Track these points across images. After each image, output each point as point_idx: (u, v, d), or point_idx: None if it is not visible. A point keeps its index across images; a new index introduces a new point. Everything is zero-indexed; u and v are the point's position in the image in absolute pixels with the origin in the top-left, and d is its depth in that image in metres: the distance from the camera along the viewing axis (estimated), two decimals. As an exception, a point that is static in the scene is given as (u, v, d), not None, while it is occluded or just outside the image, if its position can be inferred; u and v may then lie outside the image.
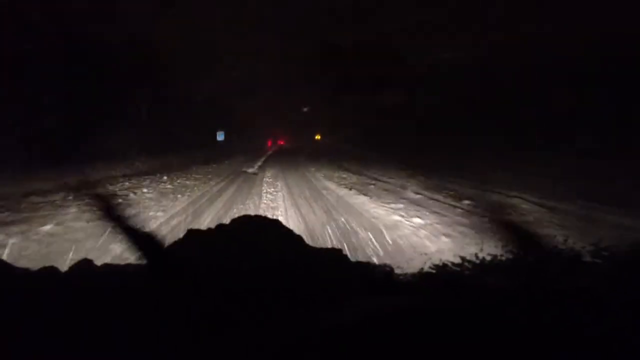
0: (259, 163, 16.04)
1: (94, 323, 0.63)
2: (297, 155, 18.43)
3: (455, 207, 4.96)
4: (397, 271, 1.03)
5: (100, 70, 15.30)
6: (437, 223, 4.25)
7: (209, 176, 10.68)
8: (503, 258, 1.00)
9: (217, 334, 0.59)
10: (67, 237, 3.92)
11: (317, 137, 54.03)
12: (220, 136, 33.69)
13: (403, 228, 4.15)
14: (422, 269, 1.03)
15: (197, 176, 10.73)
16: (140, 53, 18.05)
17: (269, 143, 53.66)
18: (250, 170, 12.50)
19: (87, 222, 4.37)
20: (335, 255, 1.19)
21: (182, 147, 21.22)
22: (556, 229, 3.87)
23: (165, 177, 10.22)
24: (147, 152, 17.53)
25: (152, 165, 15.20)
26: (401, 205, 5.22)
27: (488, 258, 1.02)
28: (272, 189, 7.59)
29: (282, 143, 55.28)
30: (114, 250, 3.29)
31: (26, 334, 0.60)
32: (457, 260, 1.05)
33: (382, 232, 3.98)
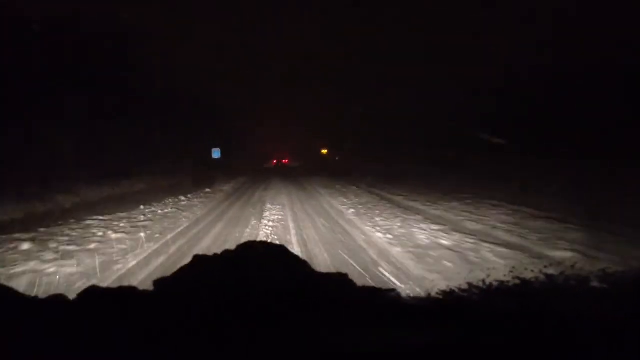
0: (267, 195, 11.73)
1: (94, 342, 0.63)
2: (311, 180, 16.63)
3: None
4: (404, 296, 1.03)
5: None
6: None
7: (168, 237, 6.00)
8: (510, 283, 0.99)
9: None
10: None
11: (324, 151, 53.73)
12: (215, 154, 28.93)
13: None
14: (429, 294, 1.03)
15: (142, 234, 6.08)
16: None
17: (274, 162, 53.91)
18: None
19: None
20: (340, 279, 1.19)
21: (160, 168, 18.44)
22: None
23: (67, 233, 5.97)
24: (96, 175, 13.01)
25: (86, 198, 11.00)
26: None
27: (495, 284, 1.02)
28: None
29: (286, 162, 55.51)
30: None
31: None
32: (464, 286, 1.05)
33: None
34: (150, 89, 20.46)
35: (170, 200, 10.91)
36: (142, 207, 9.24)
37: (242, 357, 0.58)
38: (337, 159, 44.75)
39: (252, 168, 27.95)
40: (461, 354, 0.57)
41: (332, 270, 1.96)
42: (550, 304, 0.82)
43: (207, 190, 13.61)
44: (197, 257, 1.44)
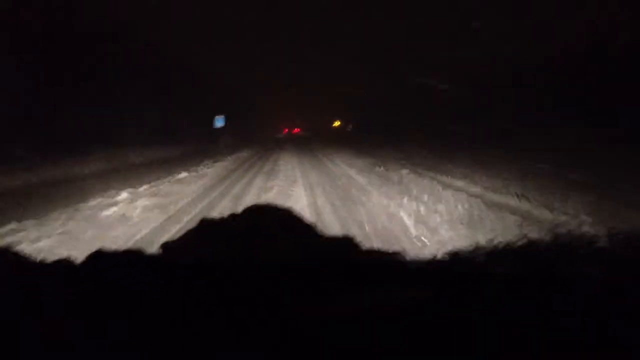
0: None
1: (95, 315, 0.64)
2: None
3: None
4: (409, 258, 1.03)
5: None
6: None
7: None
8: (516, 245, 0.99)
9: (220, 323, 0.60)
10: None
11: (336, 124, 52.36)
12: (219, 122, 26.07)
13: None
14: (435, 256, 1.03)
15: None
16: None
17: (285, 131, 53.17)
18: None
19: None
20: (347, 242, 1.19)
21: (149, 137, 16.24)
22: None
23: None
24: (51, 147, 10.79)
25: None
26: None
27: (501, 245, 1.01)
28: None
29: (297, 131, 54.74)
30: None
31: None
32: (471, 247, 1.04)
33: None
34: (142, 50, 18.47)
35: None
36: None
37: (244, 321, 0.58)
38: (349, 128, 43.72)
39: (260, 138, 26.72)
40: (455, 313, 0.57)
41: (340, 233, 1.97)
42: (555, 265, 0.81)
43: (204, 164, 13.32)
44: (204, 221, 1.46)
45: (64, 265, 0.90)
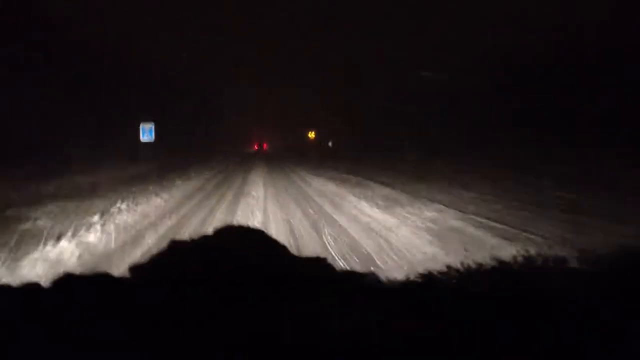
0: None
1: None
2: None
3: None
4: (382, 279, 1.02)
5: None
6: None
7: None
8: (488, 265, 0.99)
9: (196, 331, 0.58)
10: None
11: (311, 134, 48.66)
12: (146, 134, 15.74)
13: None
14: (408, 277, 1.02)
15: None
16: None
17: (255, 147, 51.33)
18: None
19: None
20: (320, 263, 1.17)
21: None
22: None
23: None
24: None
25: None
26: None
27: (474, 266, 1.02)
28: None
29: (264, 147, 53.63)
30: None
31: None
32: (443, 269, 1.04)
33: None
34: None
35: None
36: None
37: (212, 337, 0.56)
38: (330, 144, 40.30)
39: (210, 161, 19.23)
40: (432, 338, 0.55)
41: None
42: (525, 284, 0.82)
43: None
44: (173, 242, 1.42)
45: (31, 288, 0.85)
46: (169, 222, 7.12)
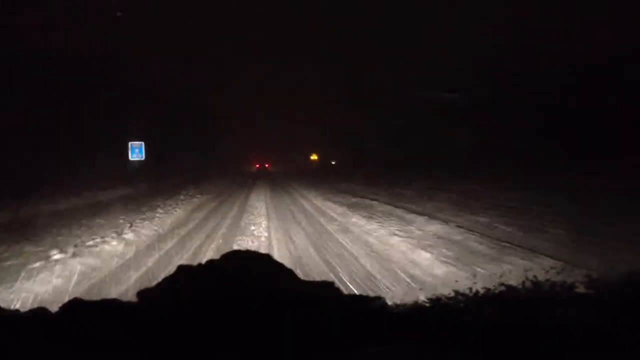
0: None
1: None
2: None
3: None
4: (390, 304, 1.01)
5: None
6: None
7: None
8: (496, 290, 0.99)
9: None
10: None
11: (314, 157, 49.13)
12: (135, 152, 14.99)
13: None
14: (416, 302, 1.02)
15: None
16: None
17: (257, 165, 51.15)
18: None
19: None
20: (326, 289, 1.17)
21: None
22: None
23: None
24: None
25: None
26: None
27: (482, 291, 1.01)
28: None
29: (267, 166, 53.27)
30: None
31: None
32: (451, 293, 1.04)
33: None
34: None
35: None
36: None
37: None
38: (333, 163, 41.61)
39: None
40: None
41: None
42: (534, 311, 0.81)
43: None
44: (181, 267, 1.43)
45: (40, 314, 0.85)
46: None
